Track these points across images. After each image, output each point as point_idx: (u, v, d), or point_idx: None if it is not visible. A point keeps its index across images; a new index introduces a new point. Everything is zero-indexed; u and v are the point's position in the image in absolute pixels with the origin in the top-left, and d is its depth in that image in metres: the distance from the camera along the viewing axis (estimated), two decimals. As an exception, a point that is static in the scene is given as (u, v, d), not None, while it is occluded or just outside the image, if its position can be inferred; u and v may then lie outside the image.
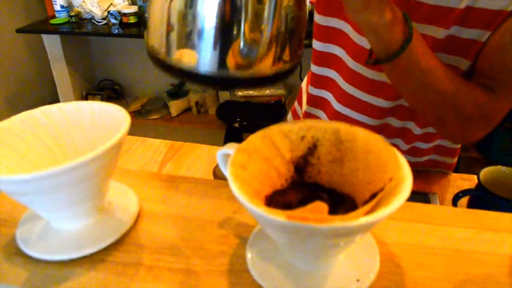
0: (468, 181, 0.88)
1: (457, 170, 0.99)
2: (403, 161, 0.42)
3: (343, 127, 0.47)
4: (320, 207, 0.38)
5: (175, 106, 2.65)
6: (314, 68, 0.91)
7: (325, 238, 0.38)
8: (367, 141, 0.46)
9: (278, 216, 0.35)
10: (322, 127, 0.48)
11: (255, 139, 0.46)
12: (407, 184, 0.39)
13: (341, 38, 0.81)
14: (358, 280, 0.44)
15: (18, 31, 2.29)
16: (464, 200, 0.78)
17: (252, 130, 0.47)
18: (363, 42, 0.75)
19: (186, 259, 0.50)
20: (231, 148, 0.46)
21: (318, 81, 0.92)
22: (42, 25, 2.39)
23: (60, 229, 0.51)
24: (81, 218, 0.50)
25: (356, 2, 0.53)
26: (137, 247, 0.52)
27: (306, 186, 0.50)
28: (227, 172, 0.41)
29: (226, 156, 0.46)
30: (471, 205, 0.77)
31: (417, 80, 0.63)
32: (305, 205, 0.39)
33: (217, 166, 0.86)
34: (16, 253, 0.51)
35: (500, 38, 0.63)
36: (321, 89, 0.93)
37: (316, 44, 0.87)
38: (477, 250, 0.51)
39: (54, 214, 0.49)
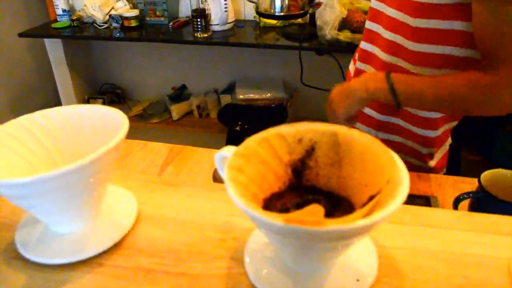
0: (469, 184, 0.88)
1: (458, 172, 0.99)
2: (400, 163, 0.42)
3: (340, 130, 0.47)
4: (316, 210, 0.38)
5: (176, 110, 2.65)
6: (367, 24, 0.95)
7: (322, 241, 0.38)
8: (364, 143, 0.46)
9: (275, 219, 0.35)
10: (319, 130, 0.48)
11: (252, 142, 0.46)
12: (404, 186, 0.39)
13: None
14: (358, 280, 0.44)
15: (20, 35, 2.30)
16: (465, 203, 0.78)
17: (254, 133, 0.47)
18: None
19: (184, 263, 0.50)
20: (228, 151, 0.46)
21: (368, 36, 0.95)
22: (44, 29, 2.40)
23: (59, 233, 0.51)
24: (80, 221, 0.50)
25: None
26: (136, 250, 0.52)
27: (304, 189, 0.49)
28: (224, 175, 0.41)
29: (224, 159, 0.46)
30: (472, 208, 0.77)
31: (430, 98, 0.74)
32: (302, 208, 0.39)
33: (216, 170, 0.86)
34: (15, 257, 0.51)
35: (479, 25, 0.69)
36: (370, 43, 0.95)
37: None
38: (477, 253, 0.51)
39: (52, 217, 0.49)
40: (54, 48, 2.46)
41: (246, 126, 2.16)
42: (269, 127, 0.48)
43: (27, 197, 0.42)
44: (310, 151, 0.48)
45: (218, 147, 0.50)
